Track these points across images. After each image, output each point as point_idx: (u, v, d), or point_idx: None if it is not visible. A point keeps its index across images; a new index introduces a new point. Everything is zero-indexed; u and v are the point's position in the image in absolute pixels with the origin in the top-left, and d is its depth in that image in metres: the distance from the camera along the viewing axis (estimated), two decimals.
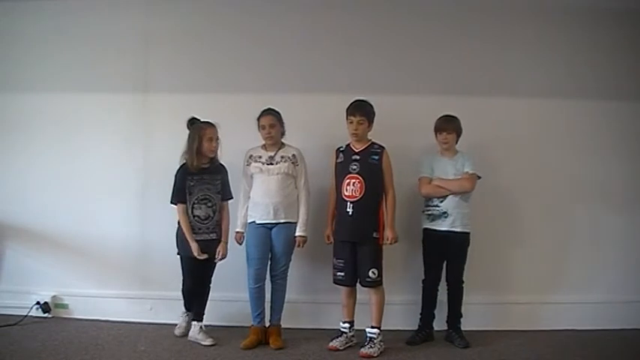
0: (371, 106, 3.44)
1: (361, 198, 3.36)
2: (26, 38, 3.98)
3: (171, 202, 3.44)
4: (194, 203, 3.43)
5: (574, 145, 3.90)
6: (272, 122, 3.48)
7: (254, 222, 3.48)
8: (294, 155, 3.51)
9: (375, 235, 3.39)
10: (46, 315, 3.88)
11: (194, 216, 3.43)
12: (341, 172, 3.46)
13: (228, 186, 3.56)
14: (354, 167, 3.41)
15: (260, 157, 3.51)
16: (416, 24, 3.91)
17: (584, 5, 3.88)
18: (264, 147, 3.54)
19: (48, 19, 3.95)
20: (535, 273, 3.87)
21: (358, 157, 3.43)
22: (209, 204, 3.46)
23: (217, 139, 3.45)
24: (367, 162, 3.41)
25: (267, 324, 3.52)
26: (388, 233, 3.41)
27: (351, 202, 3.38)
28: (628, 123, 3.90)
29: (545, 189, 3.88)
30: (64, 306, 3.94)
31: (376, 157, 3.42)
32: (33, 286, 3.91)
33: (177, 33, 3.94)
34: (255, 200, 3.49)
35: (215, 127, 3.44)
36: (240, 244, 3.53)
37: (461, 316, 3.55)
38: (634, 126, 3.90)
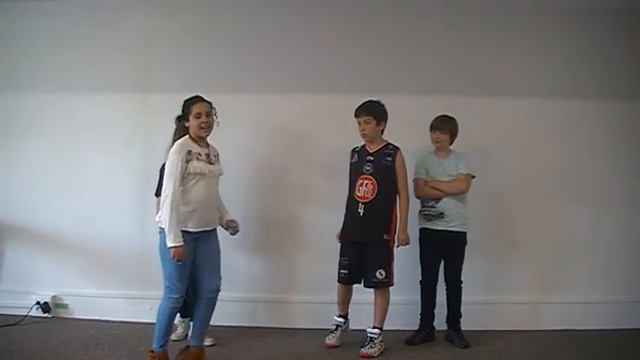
0: (380, 105, 3.43)
1: (373, 199, 3.35)
2: (26, 38, 3.98)
3: (155, 195, 3.46)
4: None
5: (574, 145, 3.90)
6: (209, 110, 3.06)
7: (187, 230, 2.94)
8: (218, 154, 3.16)
9: (385, 237, 3.37)
10: (46, 315, 3.88)
11: None
12: (355, 172, 3.45)
13: None
14: (368, 168, 3.40)
15: (200, 154, 3.01)
16: (416, 24, 3.91)
17: (584, 5, 3.87)
18: (194, 142, 3.05)
19: (48, 19, 3.95)
20: (536, 273, 3.87)
21: (372, 158, 3.41)
22: None
23: None
24: (381, 163, 3.39)
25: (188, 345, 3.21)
26: (401, 235, 3.40)
27: (362, 203, 3.36)
28: (627, 123, 3.90)
29: (546, 189, 3.88)
30: (64, 306, 3.94)
31: (389, 159, 3.40)
32: (33, 286, 3.92)
33: (177, 33, 3.94)
34: (196, 206, 2.97)
35: None
36: (180, 261, 2.86)
37: (460, 315, 3.55)
38: (633, 126, 3.90)
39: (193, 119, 3.04)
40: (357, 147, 3.52)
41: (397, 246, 3.42)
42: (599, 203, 3.89)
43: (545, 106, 3.87)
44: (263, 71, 3.90)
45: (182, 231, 2.90)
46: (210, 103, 3.10)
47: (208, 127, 3.05)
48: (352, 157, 3.50)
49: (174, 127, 3.50)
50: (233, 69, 3.91)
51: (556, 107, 3.87)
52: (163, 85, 3.91)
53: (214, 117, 3.09)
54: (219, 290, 3.10)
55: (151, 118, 3.91)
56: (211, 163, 3.07)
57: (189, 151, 2.98)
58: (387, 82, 3.84)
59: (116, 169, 3.93)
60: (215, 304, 3.11)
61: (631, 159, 3.89)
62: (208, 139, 3.11)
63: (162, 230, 2.89)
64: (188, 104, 3.08)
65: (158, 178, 3.49)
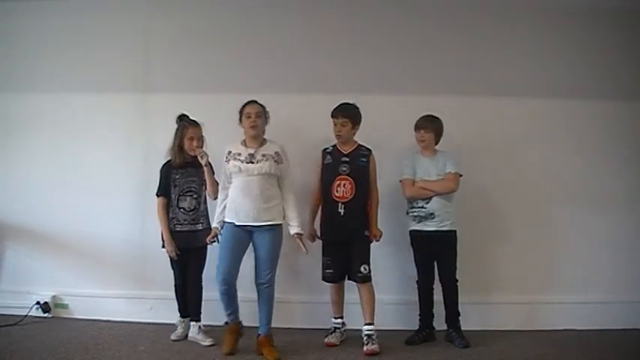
0: (356, 108, 3.49)
1: (352, 198, 3.42)
2: (26, 38, 3.98)
3: (156, 194, 3.51)
4: (179, 195, 3.48)
5: (573, 145, 3.90)
6: (258, 111, 3.31)
7: (233, 223, 3.29)
8: (277, 153, 3.31)
9: (366, 233, 3.47)
10: (46, 315, 3.88)
11: (179, 207, 3.47)
12: (330, 173, 3.50)
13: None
14: (344, 169, 3.45)
15: (239, 154, 3.30)
16: (415, 24, 3.91)
17: (584, 5, 3.88)
18: (243, 143, 3.34)
19: (48, 19, 3.96)
20: (536, 273, 3.86)
21: (347, 159, 3.47)
22: (194, 195, 3.50)
23: (200, 138, 3.47)
24: (357, 164, 3.47)
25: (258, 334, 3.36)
26: (375, 231, 3.51)
27: (342, 203, 3.43)
28: (627, 123, 3.89)
29: (546, 189, 3.88)
30: (64, 306, 3.94)
31: (365, 160, 3.48)
32: (33, 286, 3.92)
33: (177, 33, 3.94)
34: (236, 201, 3.28)
35: (198, 127, 3.47)
36: (213, 241, 3.35)
37: (459, 314, 3.55)
38: (633, 126, 3.90)
39: (245, 120, 3.31)
40: (327, 148, 3.56)
41: (377, 240, 3.51)
42: (600, 203, 3.89)
43: (544, 107, 3.87)
44: (263, 71, 3.90)
45: (227, 222, 3.30)
46: (262, 106, 3.34)
47: (256, 127, 3.28)
48: (325, 158, 3.54)
49: (176, 126, 3.52)
50: (233, 69, 3.91)
51: (556, 107, 3.87)
52: (163, 85, 3.92)
53: (266, 118, 3.34)
54: (266, 284, 3.28)
55: (151, 118, 3.91)
56: (251, 162, 3.24)
57: (229, 152, 3.32)
58: (387, 82, 3.85)
59: (116, 169, 3.93)
60: (269, 295, 3.30)
61: (631, 159, 3.89)
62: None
63: (274, 227, 3.29)
64: (241, 107, 3.34)
65: (159, 178, 3.51)
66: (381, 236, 3.53)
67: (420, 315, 3.60)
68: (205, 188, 3.50)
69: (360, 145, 3.52)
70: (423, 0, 3.90)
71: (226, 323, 3.44)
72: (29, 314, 3.85)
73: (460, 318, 3.55)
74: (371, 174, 3.51)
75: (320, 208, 3.58)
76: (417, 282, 3.60)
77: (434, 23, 3.91)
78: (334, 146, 3.54)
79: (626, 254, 3.88)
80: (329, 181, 3.48)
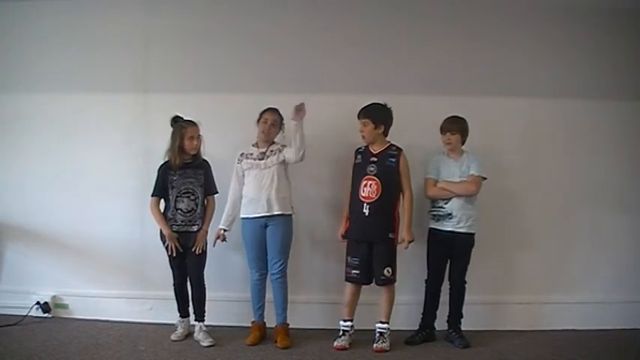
0: (381, 108, 3.47)
1: (378, 199, 3.40)
2: (26, 38, 3.98)
3: (152, 195, 3.54)
4: (177, 196, 3.49)
5: (574, 145, 3.89)
6: (274, 120, 3.52)
7: (247, 217, 3.51)
8: (283, 145, 3.54)
9: (390, 235, 3.44)
10: (46, 315, 3.88)
11: (177, 209, 3.48)
12: (358, 173, 3.50)
13: (213, 180, 3.59)
14: (372, 169, 3.45)
15: (251, 154, 3.55)
16: (416, 24, 3.90)
17: (584, 5, 3.87)
18: (255, 145, 3.58)
19: (48, 19, 3.95)
20: (535, 273, 3.86)
21: (376, 160, 3.47)
22: (192, 197, 3.50)
23: (199, 137, 3.49)
24: (384, 164, 3.45)
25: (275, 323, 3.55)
26: (405, 235, 3.46)
27: (367, 203, 3.42)
28: (628, 122, 3.89)
29: (546, 189, 3.88)
30: (64, 306, 3.94)
31: (393, 160, 3.46)
32: (33, 286, 3.92)
33: (177, 33, 3.93)
34: (249, 196, 3.51)
35: (196, 126, 3.49)
36: (221, 240, 3.54)
37: (462, 316, 3.56)
38: (634, 126, 3.89)
39: (261, 124, 3.53)
40: (360, 147, 3.55)
41: (406, 247, 3.46)
42: (599, 203, 3.88)
43: (545, 106, 3.86)
44: (263, 71, 3.89)
45: (243, 219, 3.53)
46: (281, 116, 3.53)
47: (268, 134, 3.51)
48: (356, 158, 3.55)
49: (171, 128, 3.52)
50: (233, 69, 3.90)
51: (565, 108, 3.86)
52: (163, 85, 3.91)
53: (280, 128, 3.55)
54: (278, 274, 3.49)
55: (151, 118, 3.90)
56: (262, 159, 3.50)
57: (242, 154, 3.58)
58: (387, 82, 3.83)
59: (116, 169, 3.93)
60: (282, 284, 3.51)
61: (632, 159, 3.89)
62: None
63: (285, 217, 3.51)
64: (263, 111, 3.54)
65: (155, 178, 3.52)
66: (410, 242, 3.46)
67: (422, 314, 3.60)
68: (204, 189, 3.52)
69: (390, 145, 3.51)
70: (424, 0, 3.89)
71: (253, 322, 3.56)
72: (29, 314, 3.85)
73: (462, 319, 3.55)
74: (401, 174, 3.47)
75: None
76: (426, 281, 3.60)
77: (434, 23, 3.88)
78: (366, 146, 3.53)
79: (626, 254, 3.87)
80: (357, 181, 3.48)
